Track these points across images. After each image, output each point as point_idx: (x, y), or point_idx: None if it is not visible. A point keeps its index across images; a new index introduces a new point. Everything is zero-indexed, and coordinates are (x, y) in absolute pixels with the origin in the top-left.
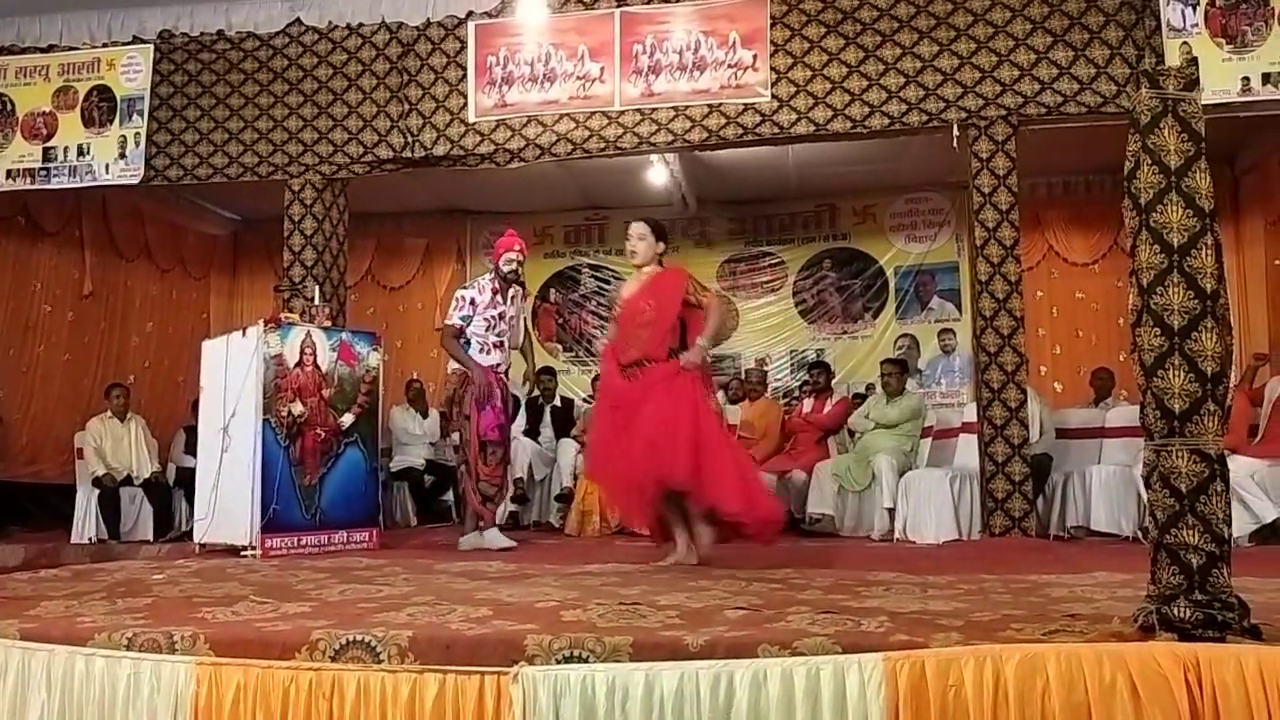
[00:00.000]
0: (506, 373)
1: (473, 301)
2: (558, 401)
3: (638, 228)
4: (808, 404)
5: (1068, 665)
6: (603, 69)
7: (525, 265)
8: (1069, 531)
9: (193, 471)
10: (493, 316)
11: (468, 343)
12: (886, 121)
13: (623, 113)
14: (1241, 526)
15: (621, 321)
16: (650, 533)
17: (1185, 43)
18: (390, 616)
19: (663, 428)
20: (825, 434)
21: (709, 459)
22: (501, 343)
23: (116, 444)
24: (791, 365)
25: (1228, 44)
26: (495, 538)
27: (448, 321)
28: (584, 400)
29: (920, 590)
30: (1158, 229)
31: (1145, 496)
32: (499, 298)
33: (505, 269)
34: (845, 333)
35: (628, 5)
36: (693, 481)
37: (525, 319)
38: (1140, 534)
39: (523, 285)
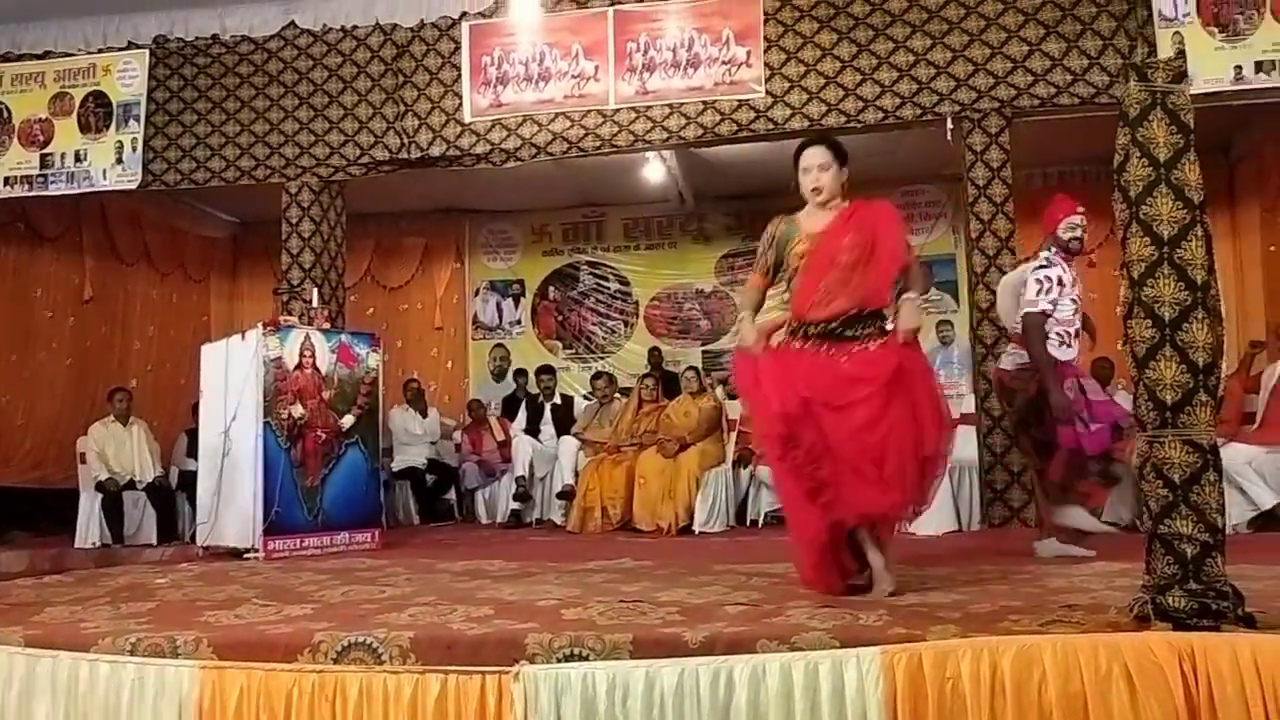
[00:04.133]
0: None
1: (1060, 281)
2: (558, 399)
3: (819, 155)
4: None
5: (1064, 656)
6: (597, 67)
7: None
8: None
9: (195, 475)
10: (1078, 297)
11: (1044, 335)
12: (880, 116)
13: (618, 111)
14: (1240, 514)
15: (812, 265)
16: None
17: (1177, 33)
18: (392, 617)
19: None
20: None
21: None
22: (1079, 331)
23: (119, 448)
24: None
25: (1220, 33)
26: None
27: (1034, 309)
28: (583, 397)
29: (919, 582)
30: (1147, 221)
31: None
32: (1073, 272)
33: (1066, 236)
34: None
35: (621, 4)
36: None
37: None
38: (1139, 523)
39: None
